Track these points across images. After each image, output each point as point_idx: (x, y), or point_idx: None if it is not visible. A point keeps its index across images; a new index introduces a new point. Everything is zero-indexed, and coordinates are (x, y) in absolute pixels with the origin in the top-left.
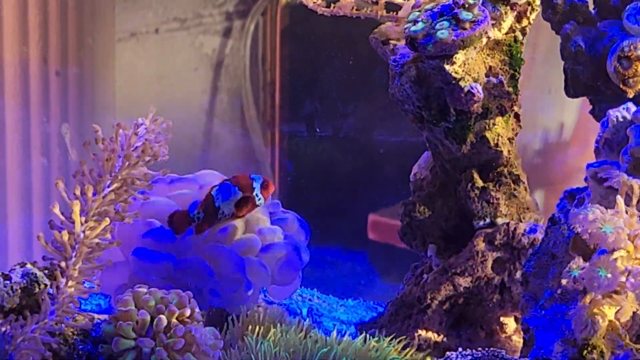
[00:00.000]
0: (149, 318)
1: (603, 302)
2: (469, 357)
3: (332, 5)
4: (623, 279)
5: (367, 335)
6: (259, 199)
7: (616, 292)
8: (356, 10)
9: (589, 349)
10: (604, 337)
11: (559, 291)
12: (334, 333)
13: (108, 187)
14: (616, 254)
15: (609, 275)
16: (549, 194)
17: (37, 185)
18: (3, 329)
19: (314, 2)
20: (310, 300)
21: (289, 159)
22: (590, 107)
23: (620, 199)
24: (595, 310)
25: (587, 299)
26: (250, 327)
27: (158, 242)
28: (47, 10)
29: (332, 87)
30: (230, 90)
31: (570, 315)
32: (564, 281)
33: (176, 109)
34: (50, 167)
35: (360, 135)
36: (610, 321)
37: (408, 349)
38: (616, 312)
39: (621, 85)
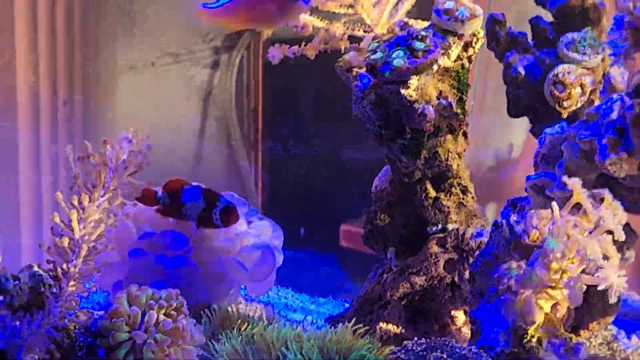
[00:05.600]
0: (140, 314)
1: (539, 296)
2: (424, 346)
3: (303, 44)
4: (558, 276)
5: (333, 327)
6: (216, 220)
7: (552, 288)
8: (324, 44)
9: (528, 337)
10: (542, 328)
11: (500, 287)
12: (310, 328)
13: (102, 196)
14: (552, 256)
15: (539, 278)
16: (501, 207)
17: (47, 200)
18: (13, 324)
19: (281, 51)
20: (285, 298)
21: (269, 174)
22: (531, 126)
23: (555, 206)
24: (532, 302)
25: (522, 295)
26: (227, 321)
27: (152, 244)
28: (55, 45)
29: (307, 112)
30: (219, 116)
31: (504, 307)
32: (504, 279)
33: (170, 132)
34: (58, 184)
35: (330, 153)
36: (546, 314)
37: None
38: (552, 308)
39: (556, 107)
